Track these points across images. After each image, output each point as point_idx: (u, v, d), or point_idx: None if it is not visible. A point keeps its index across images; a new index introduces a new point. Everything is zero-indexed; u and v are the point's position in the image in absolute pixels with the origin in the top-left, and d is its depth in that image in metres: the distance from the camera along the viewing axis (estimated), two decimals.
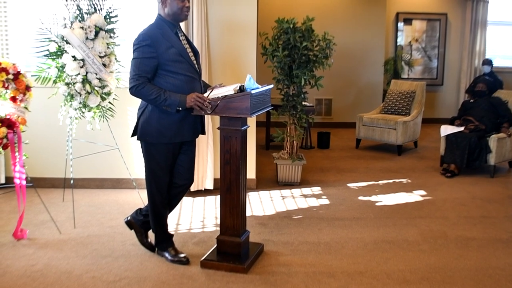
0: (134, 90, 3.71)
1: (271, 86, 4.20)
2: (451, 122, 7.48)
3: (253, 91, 3.68)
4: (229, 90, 3.71)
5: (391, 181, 6.64)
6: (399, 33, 11.28)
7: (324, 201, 5.77)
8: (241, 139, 3.84)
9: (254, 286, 3.70)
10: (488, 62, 9.95)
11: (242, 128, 3.83)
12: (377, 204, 5.68)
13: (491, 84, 8.08)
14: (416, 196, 5.99)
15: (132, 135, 4.02)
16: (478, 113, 7.25)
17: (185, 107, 3.70)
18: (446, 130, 7.22)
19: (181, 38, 3.92)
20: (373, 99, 10.70)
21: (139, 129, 3.90)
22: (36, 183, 5.19)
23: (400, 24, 11.25)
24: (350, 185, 6.43)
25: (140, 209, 4.28)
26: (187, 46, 3.93)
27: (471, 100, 7.66)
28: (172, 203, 4.17)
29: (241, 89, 3.75)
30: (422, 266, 4.07)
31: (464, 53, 11.19)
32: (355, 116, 8.93)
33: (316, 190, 6.18)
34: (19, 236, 4.56)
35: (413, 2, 11.19)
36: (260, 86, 3.89)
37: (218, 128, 3.88)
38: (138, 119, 3.92)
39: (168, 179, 4.01)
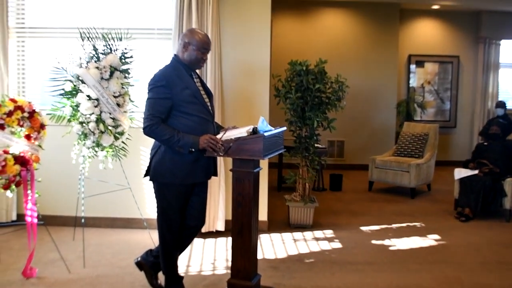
0: (148, 130, 3.72)
1: (284, 128, 4.20)
2: (465, 165, 7.42)
3: (266, 134, 3.67)
4: (242, 132, 3.71)
5: (404, 224, 6.56)
6: (411, 75, 11.32)
7: (337, 244, 5.69)
8: (254, 181, 3.82)
9: None
10: (501, 104, 9.91)
11: (255, 170, 3.80)
12: (390, 248, 5.60)
13: (505, 127, 8.04)
14: (430, 240, 5.90)
15: (145, 176, 4.01)
16: (492, 156, 7.19)
17: (198, 148, 3.70)
18: (460, 173, 7.16)
19: (195, 79, 3.95)
20: (385, 141, 10.68)
21: (152, 169, 3.89)
22: (47, 221, 5.18)
23: (413, 66, 11.30)
24: (363, 228, 6.35)
25: (150, 250, 4.24)
26: (201, 87, 3.96)
27: (485, 143, 7.61)
28: (183, 245, 4.13)
29: (254, 131, 3.75)
30: None
31: (477, 95, 11.20)
32: (367, 158, 8.90)
33: (329, 233, 6.11)
34: (29, 274, 4.53)
35: (425, 44, 11.27)
36: (273, 128, 3.88)
37: (230, 170, 3.86)
38: (151, 159, 3.92)
39: (179, 220, 3.98)
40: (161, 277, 4.23)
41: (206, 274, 4.73)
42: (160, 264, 4.13)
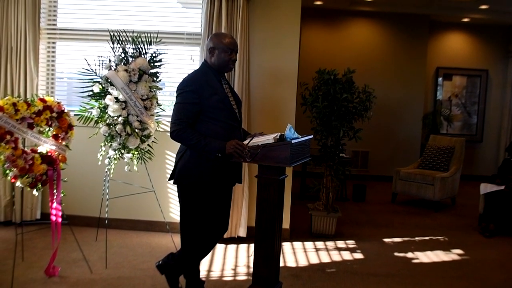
0: (175, 135, 3.73)
1: (311, 136, 4.18)
2: (491, 180, 7.32)
3: (293, 141, 3.66)
4: (269, 138, 3.70)
5: (427, 238, 6.48)
6: (438, 88, 11.22)
7: (359, 255, 5.64)
8: (279, 189, 3.80)
9: None
10: None
11: (280, 178, 3.79)
12: (413, 261, 5.53)
13: None
14: (453, 255, 5.82)
15: (170, 179, 4.02)
16: None
17: (224, 153, 3.70)
18: (486, 188, 7.06)
19: (224, 85, 3.96)
20: (410, 153, 10.59)
21: (177, 173, 3.90)
22: (71, 221, 5.22)
23: (440, 79, 11.20)
24: (386, 240, 6.29)
25: (172, 253, 4.24)
26: (229, 94, 3.97)
27: None
28: (205, 250, 4.12)
29: (281, 138, 3.74)
30: None
31: (504, 110, 11.06)
32: (391, 170, 8.84)
33: (351, 243, 6.06)
34: (51, 273, 4.57)
35: (454, 57, 11.17)
36: (300, 136, 3.87)
37: (256, 176, 3.84)
38: (177, 163, 3.93)
39: (202, 225, 3.97)
40: (182, 281, 4.23)
41: (227, 279, 4.72)
42: (181, 268, 4.13)
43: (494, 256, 5.85)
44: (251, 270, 4.54)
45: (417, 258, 5.62)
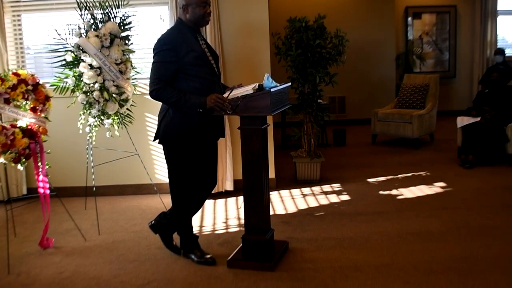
0: (155, 94, 3.74)
1: (289, 84, 4.22)
2: (467, 113, 7.45)
3: (272, 90, 3.70)
4: (248, 89, 3.73)
5: (410, 174, 6.63)
6: (409, 28, 11.25)
7: (345, 197, 5.77)
8: (262, 138, 3.85)
9: (282, 283, 3.72)
10: (500, 51, 9.91)
11: (263, 127, 3.84)
12: (398, 197, 5.68)
13: (505, 73, 8.03)
14: (436, 188, 5.98)
15: (154, 139, 4.05)
16: (493, 103, 7.22)
17: (205, 108, 3.73)
18: (463, 121, 7.20)
19: (200, 41, 3.95)
20: (386, 94, 10.69)
21: (161, 132, 3.93)
22: (58, 193, 5.22)
23: (410, 19, 11.22)
24: (370, 180, 6.43)
25: (164, 213, 4.29)
26: (206, 49, 3.96)
27: (486, 90, 7.63)
28: (196, 206, 4.18)
29: (260, 88, 3.77)
30: (448, 257, 4.06)
31: (475, 44, 11.15)
32: (369, 113, 8.93)
33: (336, 186, 6.19)
34: (45, 245, 4.61)
35: None
36: (278, 85, 3.90)
37: (238, 128, 3.89)
38: (160, 122, 3.94)
39: (191, 181, 4.03)
40: (176, 238, 4.31)
41: (220, 232, 4.81)
42: (174, 225, 4.20)
43: (475, 186, 6.02)
44: (242, 221, 4.64)
45: (401, 194, 5.77)
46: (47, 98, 4.67)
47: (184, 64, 3.76)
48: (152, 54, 3.84)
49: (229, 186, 5.94)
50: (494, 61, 10.28)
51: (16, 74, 4.44)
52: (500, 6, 11.08)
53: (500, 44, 11.14)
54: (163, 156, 4.07)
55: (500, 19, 11.24)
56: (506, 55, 9.99)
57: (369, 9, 10.62)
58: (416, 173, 6.66)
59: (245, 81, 4.42)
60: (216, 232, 4.83)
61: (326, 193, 5.95)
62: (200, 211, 5.11)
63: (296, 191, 6.04)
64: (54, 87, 5.10)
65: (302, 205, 5.53)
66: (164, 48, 3.76)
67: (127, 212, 5.53)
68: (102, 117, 5.06)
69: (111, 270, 4.08)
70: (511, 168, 6.76)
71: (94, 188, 5.27)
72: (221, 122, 4.10)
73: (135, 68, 5.32)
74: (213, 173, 4.16)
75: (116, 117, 5.19)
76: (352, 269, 3.90)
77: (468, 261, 3.98)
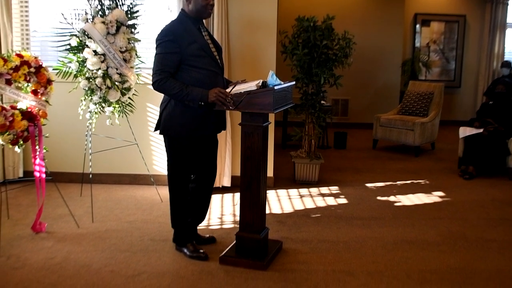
0: (157, 85, 3.72)
1: (293, 83, 4.19)
2: (470, 123, 7.42)
3: (276, 87, 3.66)
4: (251, 86, 3.70)
5: (408, 182, 6.60)
6: (417, 35, 11.21)
7: (342, 200, 5.74)
8: (263, 136, 3.82)
9: (273, 283, 3.68)
10: (507, 64, 9.88)
11: (264, 124, 3.80)
12: (395, 204, 5.64)
13: (511, 86, 8.00)
14: (434, 197, 5.94)
15: (155, 130, 4.02)
16: (497, 115, 7.19)
17: (207, 102, 3.70)
18: (465, 131, 7.17)
19: (203, 33, 3.92)
20: (390, 100, 10.64)
21: (162, 123, 3.90)
22: (55, 177, 5.20)
23: (418, 26, 11.17)
24: (368, 185, 6.39)
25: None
26: (209, 41, 3.94)
27: (490, 102, 7.60)
28: (198, 199, 4.17)
29: (264, 85, 3.75)
30: (443, 267, 4.03)
31: (482, 55, 11.10)
32: (371, 117, 8.89)
33: (334, 189, 6.15)
34: (38, 229, 4.57)
35: (431, 3, 11.12)
36: (282, 83, 3.87)
37: (239, 124, 3.86)
38: (161, 113, 3.92)
39: (190, 174, 4.01)
40: (205, 232, 4.27)
41: (214, 228, 4.78)
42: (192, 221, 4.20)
43: (474, 197, 5.98)
44: (237, 218, 4.59)
45: (399, 201, 5.73)
46: (49, 81, 4.63)
47: (187, 55, 3.74)
48: (155, 45, 3.81)
49: (227, 182, 5.90)
50: (500, 73, 10.25)
51: (19, 55, 4.41)
52: (510, 19, 11.03)
53: (507, 57, 11.09)
54: (162, 147, 4.06)
55: (509, 31, 11.19)
56: None
57: (378, 14, 10.57)
58: (415, 181, 6.63)
59: (249, 77, 4.39)
60: (211, 227, 4.79)
61: (323, 195, 5.91)
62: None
63: (293, 191, 6.01)
64: (57, 71, 5.06)
65: (299, 206, 5.49)
66: (166, 39, 3.73)
67: (122, 201, 5.49)
68: (103, 104, 5.03)
69: (102, 258, 4.04)
70: (510, 182, 6.72)
71: (90, 175, 5.24)
72: (223, 115, 4.08)
73: (140, 57, 5.28)
74: (213, 165, 4.14)
75: (117, 105, 5.15)
76: (344, 273, 3.87)
77: (462, 272, 3.94)
